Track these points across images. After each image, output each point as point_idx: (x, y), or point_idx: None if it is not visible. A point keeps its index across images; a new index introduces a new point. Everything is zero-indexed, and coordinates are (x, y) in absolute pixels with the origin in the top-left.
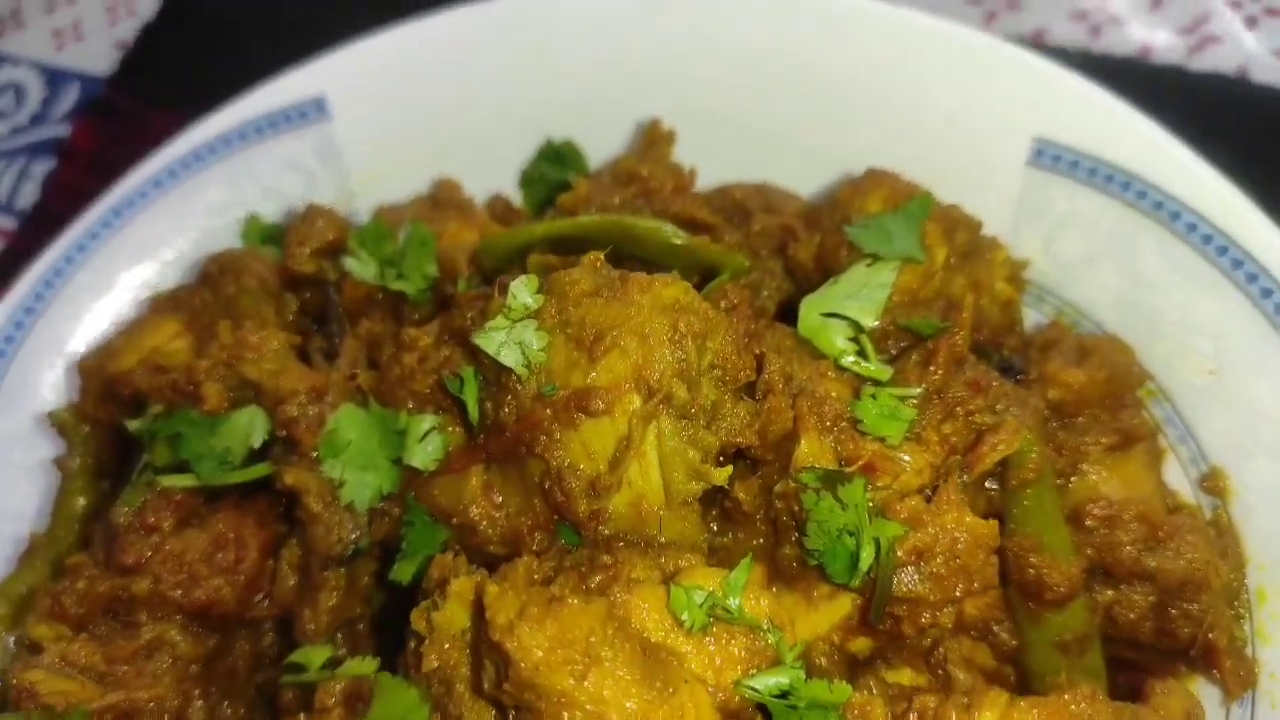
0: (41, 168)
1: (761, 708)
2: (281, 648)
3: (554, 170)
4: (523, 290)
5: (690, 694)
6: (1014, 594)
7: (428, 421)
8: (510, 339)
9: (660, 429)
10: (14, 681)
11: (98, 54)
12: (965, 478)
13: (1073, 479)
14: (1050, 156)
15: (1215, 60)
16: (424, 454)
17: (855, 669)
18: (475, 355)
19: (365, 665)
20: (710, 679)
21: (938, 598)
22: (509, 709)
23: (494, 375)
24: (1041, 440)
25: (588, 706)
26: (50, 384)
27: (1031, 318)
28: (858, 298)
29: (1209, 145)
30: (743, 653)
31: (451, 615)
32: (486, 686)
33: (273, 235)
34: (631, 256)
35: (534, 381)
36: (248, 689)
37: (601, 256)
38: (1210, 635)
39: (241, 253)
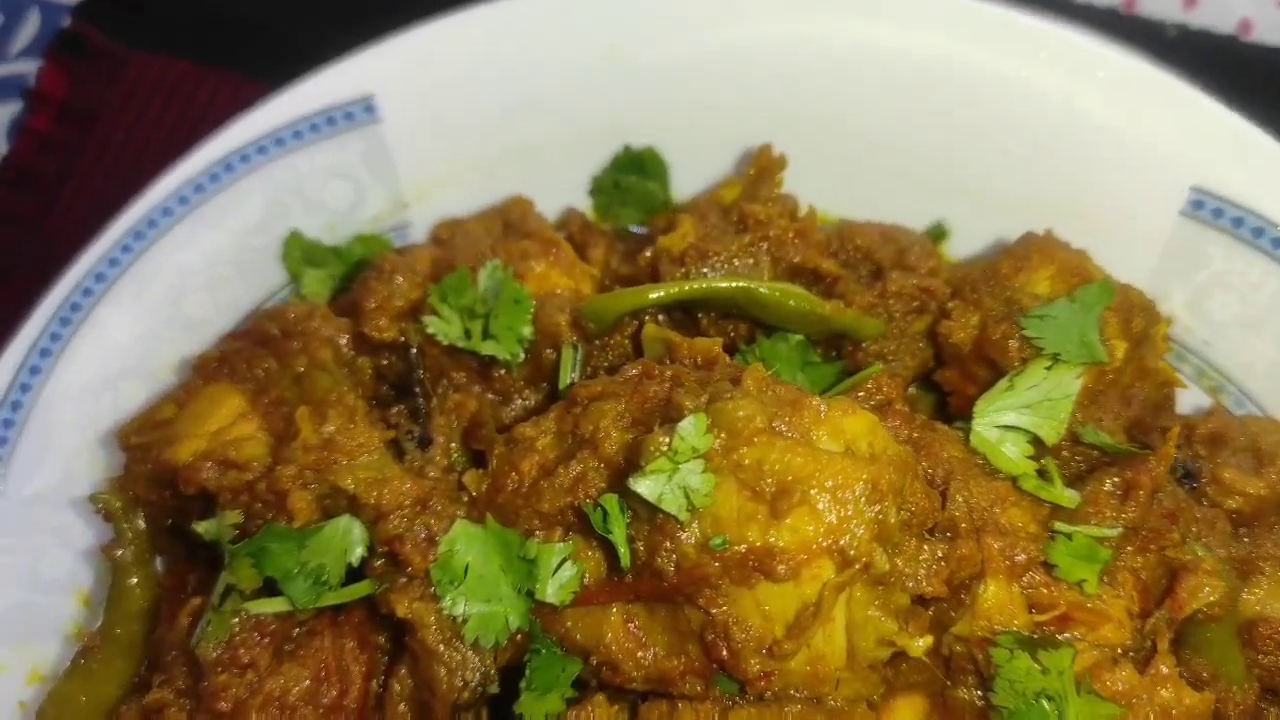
0: (4, 112)
1: None
2: None
3: (632, 179)
4: (693, 433)
5: None
6: None
7: (560, 551)
8: (673, 483)
9: (851, 595)
10: None
11: None
12: (1171, 634)
13: (1243, 593)
14: (1211, 209)
15: None
16: (558, 588)
17: None
18: (623, 489)
19: None
20: None
21: None
22: None
23: (647, 514)
24: (1231, 573)
25: None
26: (77, 441)
27: None
28: (1039, 410)
29: None
30: None
31: None
32: None
33: (315, 256)
34: (754, 320)
35: (698, 528)
36: None
37: (765, 374)
38: None
39: (306, 312)
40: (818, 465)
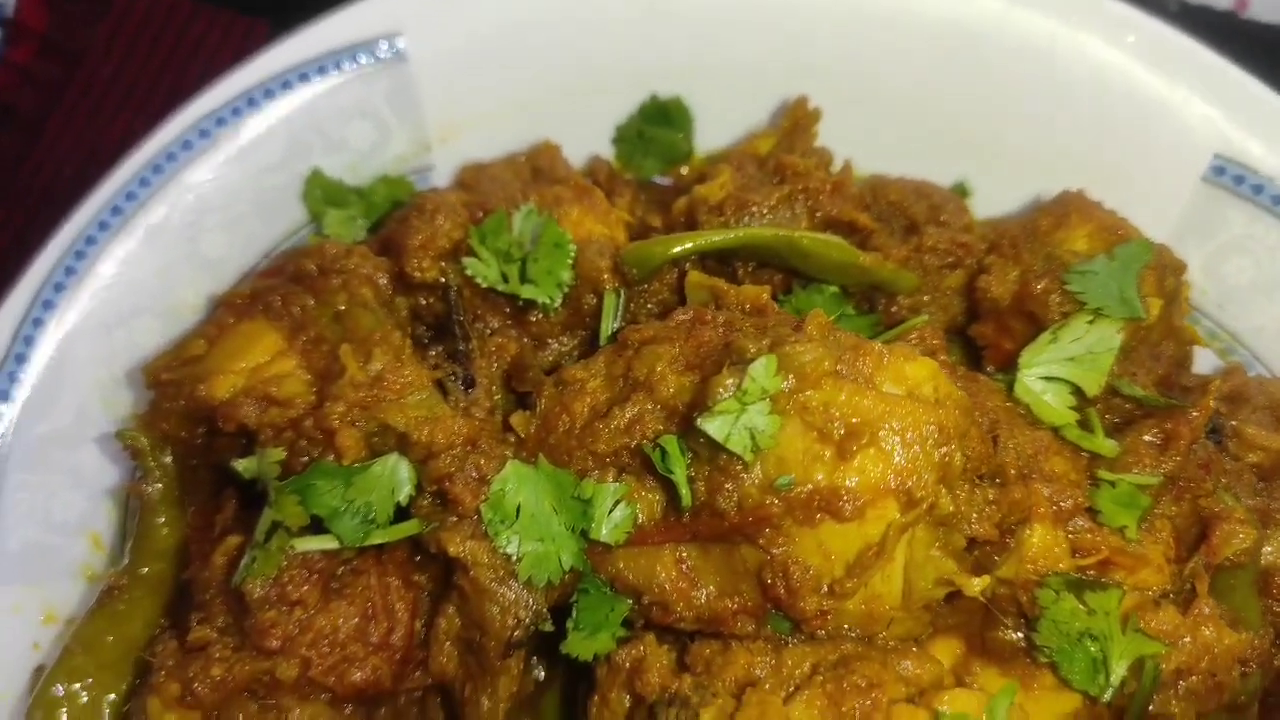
0: None
1: None
2: (423, 709)
3: (657, 130)
4: (763, 374)
5: None
6: None
7: (616, 491)
8: (740, 424)
9: (914, 536)
10: None
11: None
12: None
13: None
14: (1232, 176)
15: None
16: (613, 527)
17: None
18: (682, 427)
19: None
20: None
21: (1191, 716)
22: None
23: (708, 454)
24: (1256, 523)
25: None
26: (91, 379)
27: None
28: (1082, 362)
29: None
30: None
31: None
32: None
33: (338, 196)
34: (790, 268)
35: (760, 469)
36: None
37: (827, 319)
38: None
39: (344, 250)
40: (887, 408)
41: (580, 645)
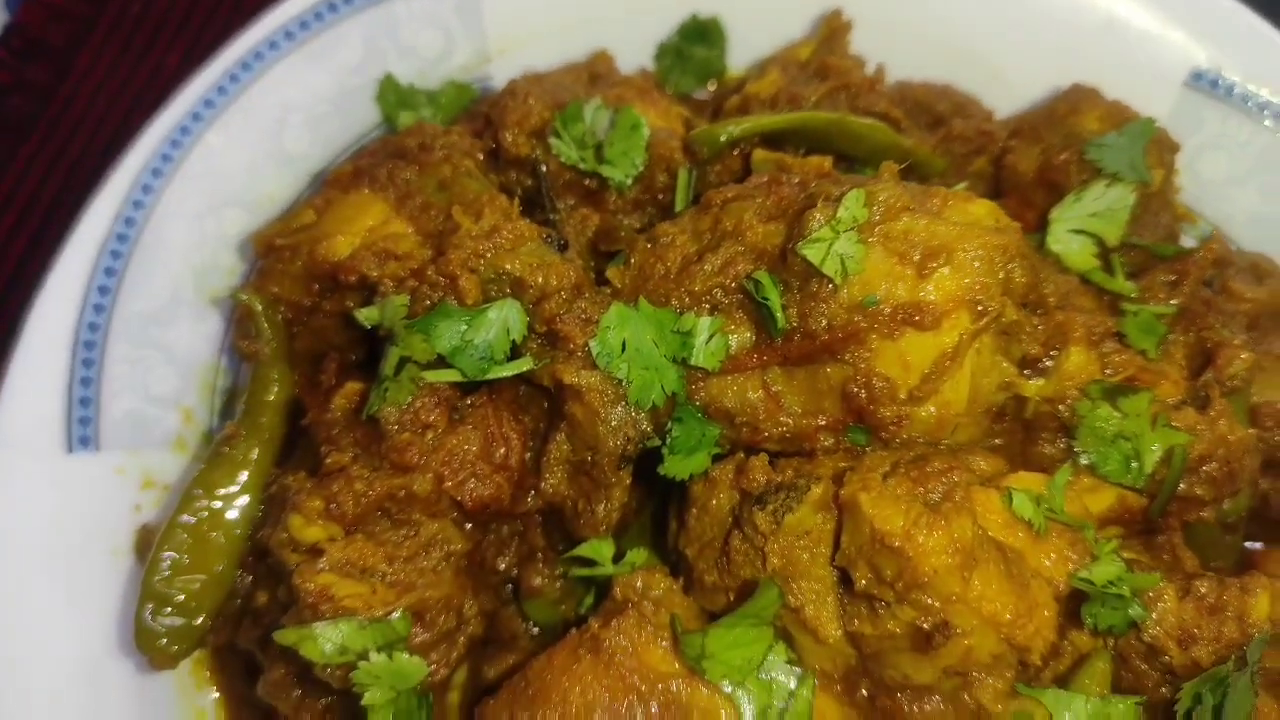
0: None
1: (1073, 595)
2: (524, 537)
3: (694, 48)
4: (855, 204)
5: (1038, 588)
6: None
7: (711, 324)
8: (833, 250)
9: (981, 343)
10: (305, 586)
11: None
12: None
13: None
14: (1209, 81)
15: None
16: (709, 354)
17: None
18: (778, 260)
19: (642, 555)
20: (1046, 572)
21: (1211, 497)
22: (877, 601)
23: (800, 282)
24: (1251, 349)
25: (970, 603)
26: (183, 264)
27: None
28: (1102, 217)
29: None
30: (1068, 549)
31: (802, 518)
32: (862, 584)
33: (410, 99)
34: (837, 151)
35: (847, 291)
36: (490, 578)
37: (897, 168)
38: None
39: (442, 129)
40: (959, 233)
41: (677, 465)
